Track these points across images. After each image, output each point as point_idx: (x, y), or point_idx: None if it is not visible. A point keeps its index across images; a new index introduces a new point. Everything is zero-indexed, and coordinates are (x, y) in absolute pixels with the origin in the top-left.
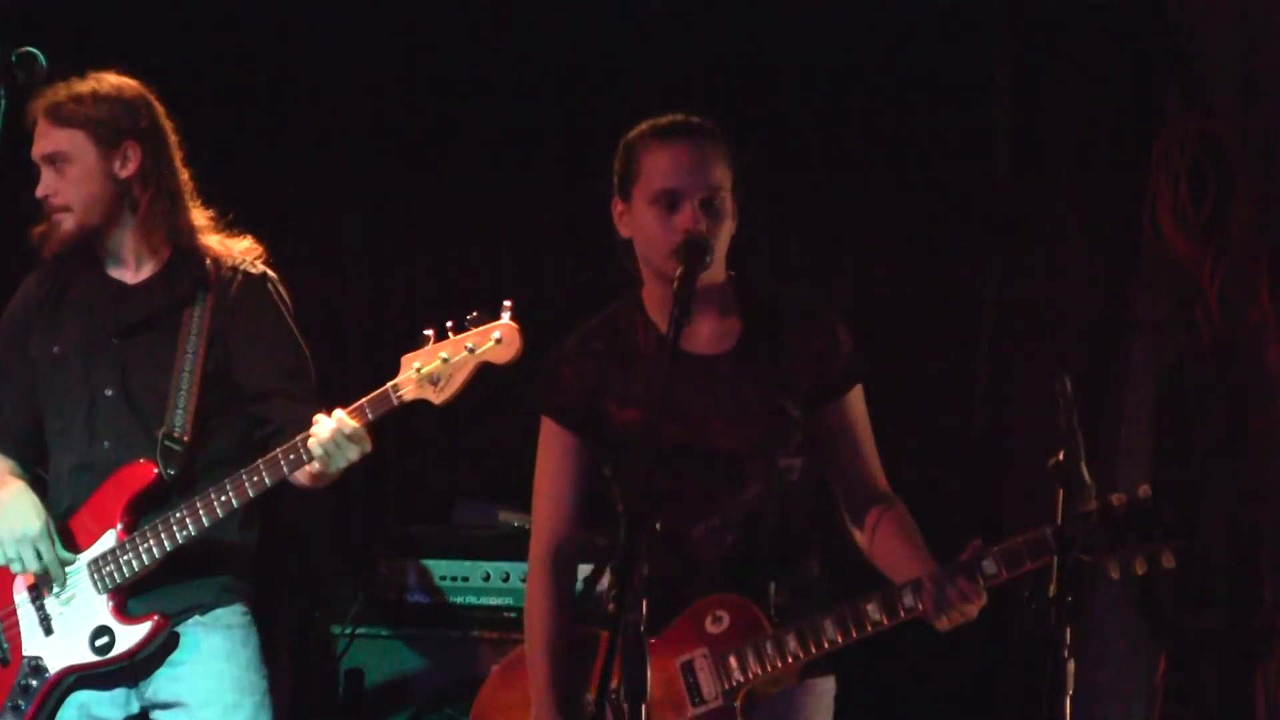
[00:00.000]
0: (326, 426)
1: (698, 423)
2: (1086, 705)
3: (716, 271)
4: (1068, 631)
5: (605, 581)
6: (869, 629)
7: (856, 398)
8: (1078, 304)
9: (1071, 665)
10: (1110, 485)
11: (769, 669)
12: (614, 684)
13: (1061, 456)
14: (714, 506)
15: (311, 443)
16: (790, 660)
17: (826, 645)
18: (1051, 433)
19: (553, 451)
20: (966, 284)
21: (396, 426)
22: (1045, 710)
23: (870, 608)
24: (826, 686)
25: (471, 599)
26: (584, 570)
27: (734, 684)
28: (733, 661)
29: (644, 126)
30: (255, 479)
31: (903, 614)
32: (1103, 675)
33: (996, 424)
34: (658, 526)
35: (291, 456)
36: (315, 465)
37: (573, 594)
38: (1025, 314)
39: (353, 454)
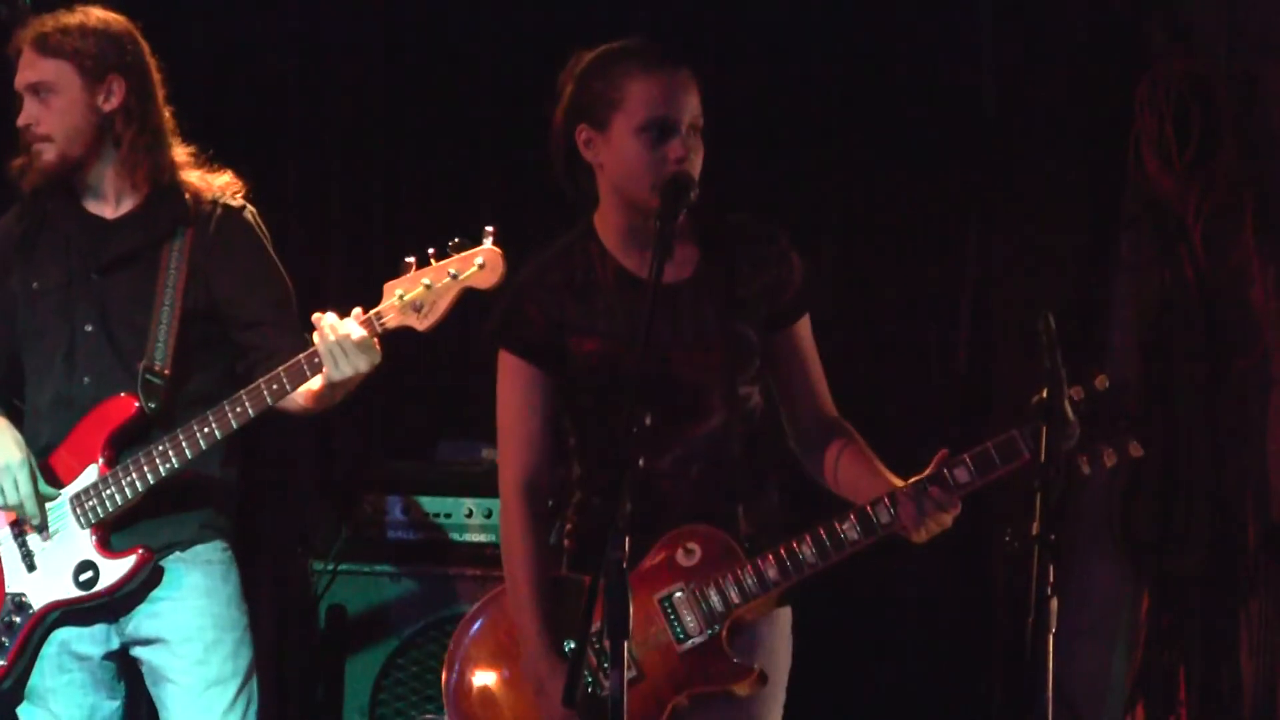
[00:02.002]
0: (333, 329)
1: (659, 352)
2: (1068, 646)
3: None
4: (1051, 569)
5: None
6: (847, 550)
7: (805, 327)
8: (1063, 242)
9: (1055, 602)
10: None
11: (751, 599)
12: (595, 625)
13: (1045, 394)
14: (678, 437)
15: (319, 343)
16: (771, 589)
17: (806, 570)
18: (1036, 371)
19: (518, 387)
20: (951, 222)
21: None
22: (1028, 648)
23: (846, 527)
24: (786, 616)
25: (454, 535)
26: None
27: (718, 616)
28: (713, 594)
29: (618, 50)
30: (238, 409)
31: (880, 530)
32: (1085, 616)
33: (981, 363)
34: (641, 463)
35: (275, 386)
36: (318, 380)
37: (549, 532)
38: (1010, 253)
39: (362, 364)
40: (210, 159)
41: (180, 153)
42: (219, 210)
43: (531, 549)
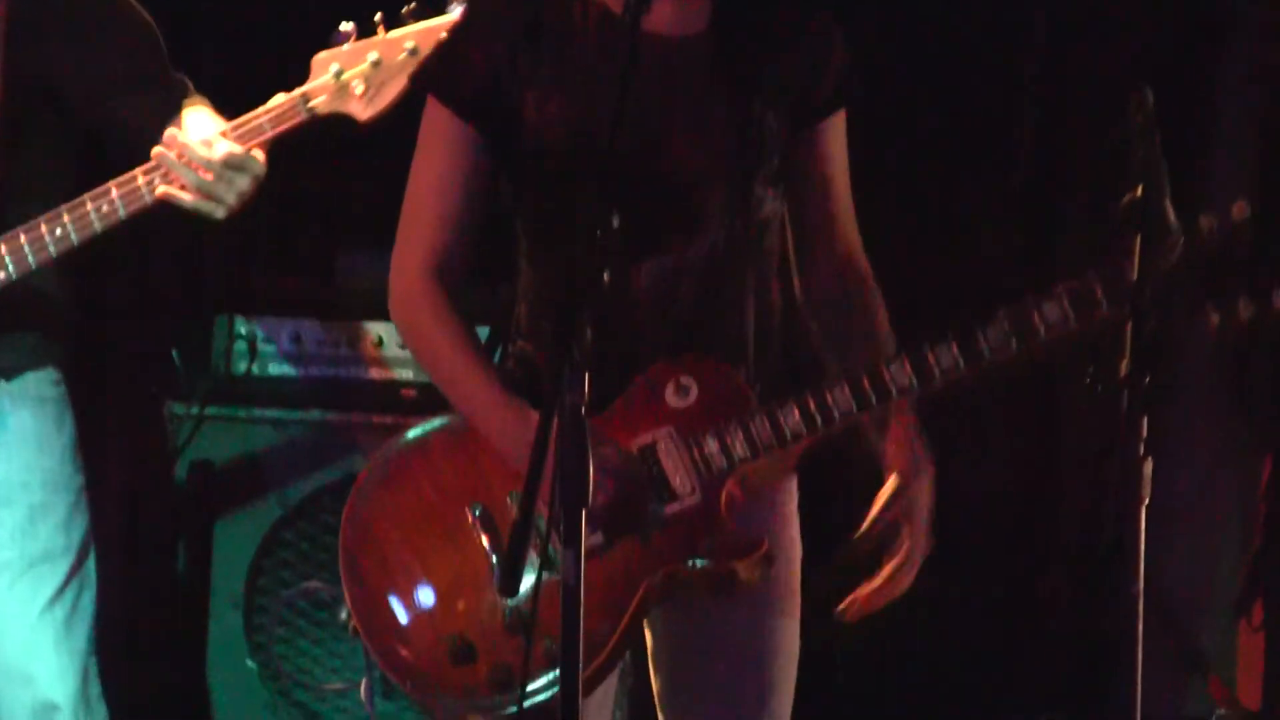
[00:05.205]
0: (190, 151)
1: (647, 127)
2: (1161, 520)
3: None
4: (1144, 422)
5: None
6: (893, 394)
7: (838, 129)
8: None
9: (1149, 465)
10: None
11: (762, 454)
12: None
13: (1139, 192)
14: (665, 244)
15: (159, 182)
16: (790, 442)
17: (838, 423)
18: (1122, 167)
19: (442, 147)
20: None
21: (271, 154)
22: (1112, 520)
23: (895, 369)
24: (793, 489)
25: (357, 371)
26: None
27: (715, 473)
28: (711, 444)
29: None
30: (105, 208)
31: (938, 377)
32: (1182, 483)
33: (1048, 165)
34: (605, 277)
35: (154, 180)
36: (186, 198)
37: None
38: (1084, 17)
39: (243, 183)
40: None
41: None
42: None
43: (458, 324)
